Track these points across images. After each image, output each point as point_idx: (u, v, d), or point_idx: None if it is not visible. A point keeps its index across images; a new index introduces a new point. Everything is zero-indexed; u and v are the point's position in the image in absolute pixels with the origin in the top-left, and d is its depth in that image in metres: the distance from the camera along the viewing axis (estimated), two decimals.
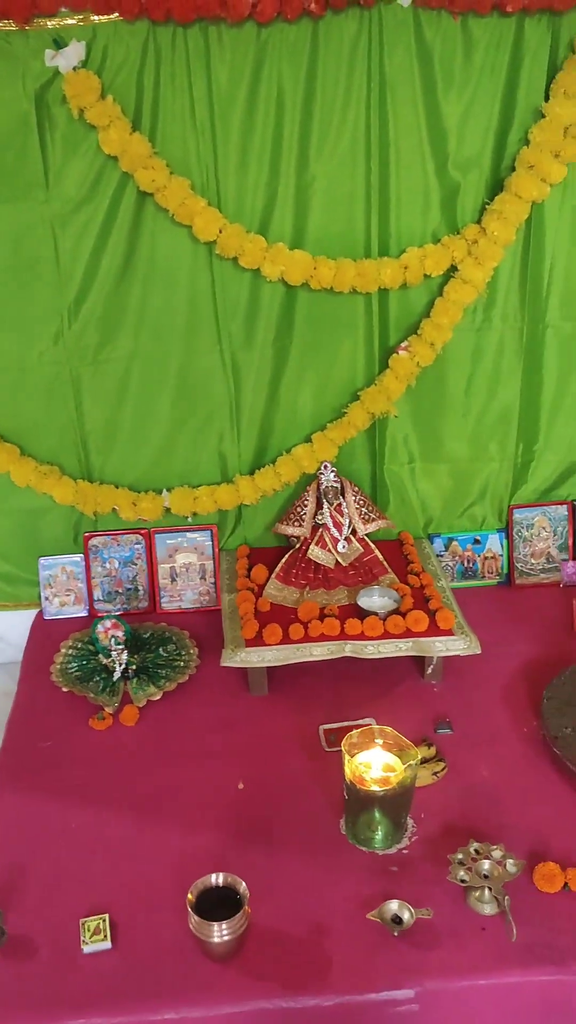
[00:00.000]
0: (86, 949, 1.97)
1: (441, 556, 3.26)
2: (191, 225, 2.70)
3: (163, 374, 2.98)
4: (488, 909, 2.03)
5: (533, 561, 3.28)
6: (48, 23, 2.49)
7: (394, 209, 2.80)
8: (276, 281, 2.80)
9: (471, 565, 3.29)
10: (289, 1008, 1.88)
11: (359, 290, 2.82)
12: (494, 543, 3.27)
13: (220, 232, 2.71)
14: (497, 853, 2.08)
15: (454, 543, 3.27)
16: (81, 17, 2.50)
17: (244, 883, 1.98)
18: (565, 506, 3.26)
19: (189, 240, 2.77)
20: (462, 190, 2.80)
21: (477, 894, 2.05)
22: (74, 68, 2.52)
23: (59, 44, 2.50)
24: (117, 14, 2.49)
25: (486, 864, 2.05)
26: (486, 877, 2.04)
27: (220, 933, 1.90)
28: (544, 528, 3.26)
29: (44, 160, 2.66)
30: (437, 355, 2.95)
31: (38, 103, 2.59)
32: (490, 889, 2.02)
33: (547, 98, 2.66)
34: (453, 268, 2.82)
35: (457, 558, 3.28)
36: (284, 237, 2.79)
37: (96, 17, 2.50)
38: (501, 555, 3.28)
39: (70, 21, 2.50)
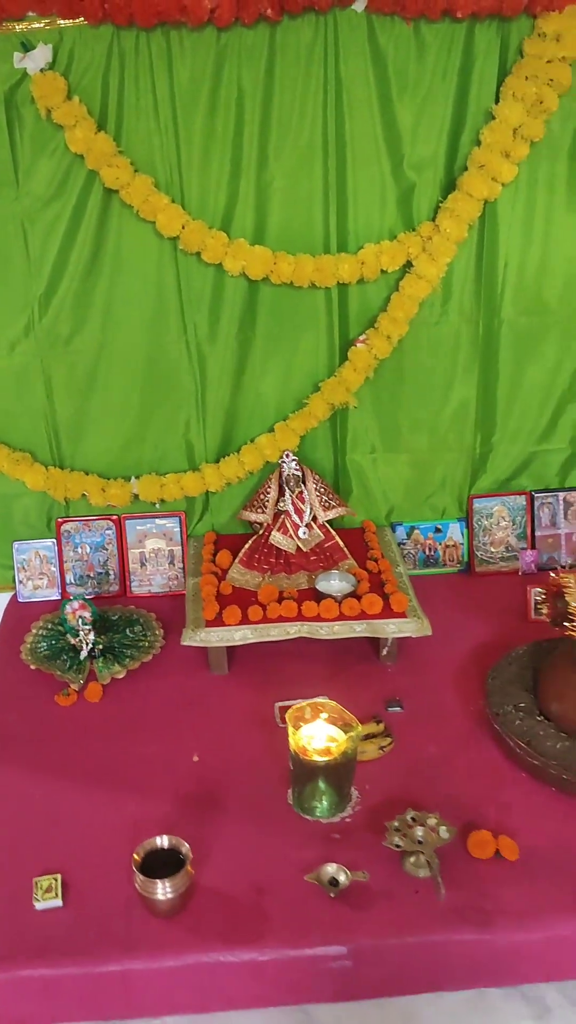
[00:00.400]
0: (38, 906, 2.08)
1: (403, 544, 3.36)
2: (155, 221, 2.81)
3: (131, 364, 3.09)
4: (422, 873, 2.13)
5: (492, 549, 3.39)
6: (16, 27, 2.61)
7: (352, 207, 2.90)
8: (238, 275, 2.91)
9: (432, 553, 3.39)
10: (227, 962, 1.99)
11: (318, 284, 2.92)
12: (455, 532, 3.38)
13: (183, 228, 2.82)
14: (432, 820, 2.19)
15: (416, 532, 3.38)
16: (48, 21, 2.61)
17: (187, 844, 2.09)
18: (523, 496, 3.36)
19: (154, 235, 2.88)
20: (417, 189, 2.90)
21: (412, 859, 2.15)
22: (41, 70, 2.63)
23: (27, 47, 2.61)
24: (82, 18, 2.59)
25: (420, 831, 2.16)
26: (420, 843, 2.14)
27: (164, 890, 2.01)
28: (503, 517, 3.37)
29: (14, 158, 2.77)
30: (396, 348, 3.06)
31: (7, 104, 2.70)
32: (423, 854, 2.13)
33: (497, 100, 2.76)
34: (409, 264, 2.92)
35: (419, 546, 3.39)
36: (246, 233, 2.90)
37: (62, 21, 2.61)
38: (461, 543, 3.38)
39: (37, 25, 2.61)
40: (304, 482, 3.10)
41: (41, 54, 2.61)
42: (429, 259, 2.87)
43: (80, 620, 2.94)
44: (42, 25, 2.61)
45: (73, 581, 3.31)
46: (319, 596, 2.88)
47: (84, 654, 2.90)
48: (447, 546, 3.39)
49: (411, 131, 2.82)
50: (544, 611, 2.44)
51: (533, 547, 3.38)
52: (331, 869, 2.12)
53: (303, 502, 3.09)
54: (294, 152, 2.83)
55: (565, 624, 2.35)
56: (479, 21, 2.67)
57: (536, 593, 2.51)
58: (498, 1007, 2.06)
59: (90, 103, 2.71)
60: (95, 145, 2.69)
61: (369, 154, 2.83)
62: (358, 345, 3.03)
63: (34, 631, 3.07)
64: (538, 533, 3.37)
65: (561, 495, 3.36)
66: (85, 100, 2.69)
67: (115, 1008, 2.02)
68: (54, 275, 2.93)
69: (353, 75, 2.73)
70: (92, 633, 2.93)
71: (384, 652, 2.89)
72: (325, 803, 2.32)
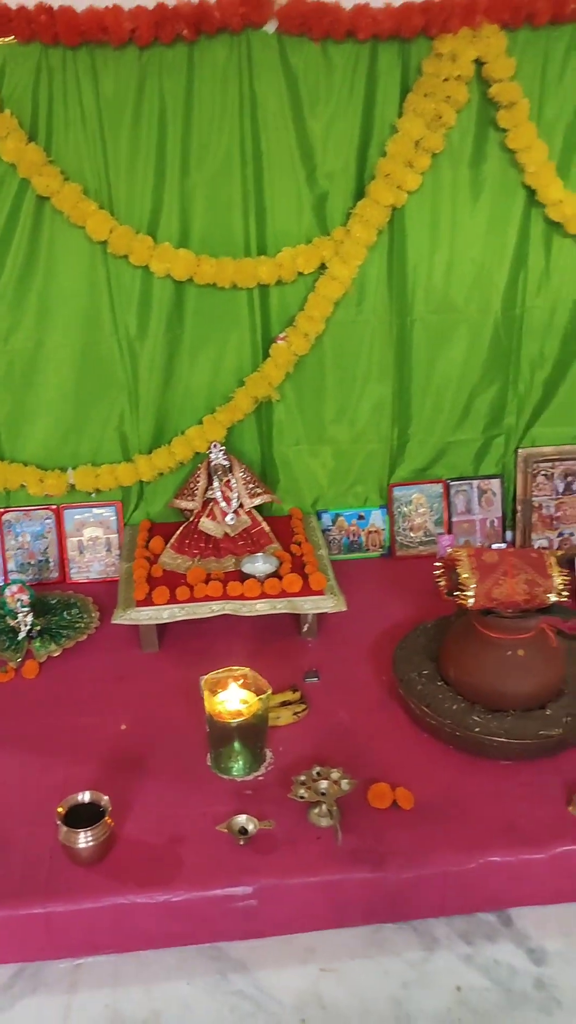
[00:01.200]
0: None
1: (328, 530, 3.57)
2: (84, 226, 2.99)
3: (66, 361, 3.28)
4: (324, 822, 2.33)
5: (412, 535, 3.61)
6: None
7: (270, 213, 3.12)
8: (164, 277, 3.11)
9: (356, 539, 3.60)
10: (143, 903, 2.16)
11: (240, 285, 3.14)
12: (376, 519, 3.60)
13: (111, 233, 3.01)
14: (335, 775, 2.38)
15: (340, 518, 3.59)
16: None
17: (107, 798, 2.27)
18: (440, 484, 3.58)
19: (85, 240, 3.07)
20: (330, 196, 3.12)
21: (316, 810, 2.35)
22: None
23: None
24: (12, 37, 2.78)
25: (324, 784, 2.36)
26: (323, 795, 2.34)
27: (84, 839, 2.19)
28: (421, 504, 3.59)
29: None
30: (316, 346, 3.27)
31: None
32: (326, 804, 2.32)
33: (400, 115, 2.99)
34: (323, 266, 3.14)
35: (343, 532, 3.60)
36: (171, 237, 3.11)
37: None
38: (383, 529, 3.60)
39: None
40: (231, 471, 3.30)
41: None
42: (341, 262, 3.09)
43: (19, 603, 3.10)
44: None
45: (15, 568, 3.48)
46: (244, 577, 3.08)
47: (22, 634, 3.07)
48: (370, 532, 3.60)
49: (322, 143, 3.04)
50: (442, 583, 2.65)
51: (450, 532, 3.60)
52: (241, 820, 2.31)
53: (231, 490, 3.29)
54: (214, 161, 3.04)
55: (456, 594, 2.56)
56: (381, 42, 2.90)
57: (435, 567, 2.72)
58: (392, 939, 2.25)
59: (21, 115, 2.89)
60: (26, 155, 2.88)
61: (284, 164, 3.05)
62: (279, 342, 3.24)
63: None
64: (454, 519, 3.60)
65: (475, 483, 3.60)
66: (16, 113, 2.88)
67: (39, 949, 2.19)
68: None
69: (267, 91, 2.95)
70: (30, 615, 3.10)
71: (305, 628, 3.09)
72: (240, 763, 2.51)
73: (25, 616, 3.09)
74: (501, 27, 2.84)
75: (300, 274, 3.15)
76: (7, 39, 2.79)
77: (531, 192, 3.13)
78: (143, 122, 2.95)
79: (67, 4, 2.73)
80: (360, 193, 3.10)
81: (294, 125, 3.00)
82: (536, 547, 3.59)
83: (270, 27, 2.83)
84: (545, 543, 3.62)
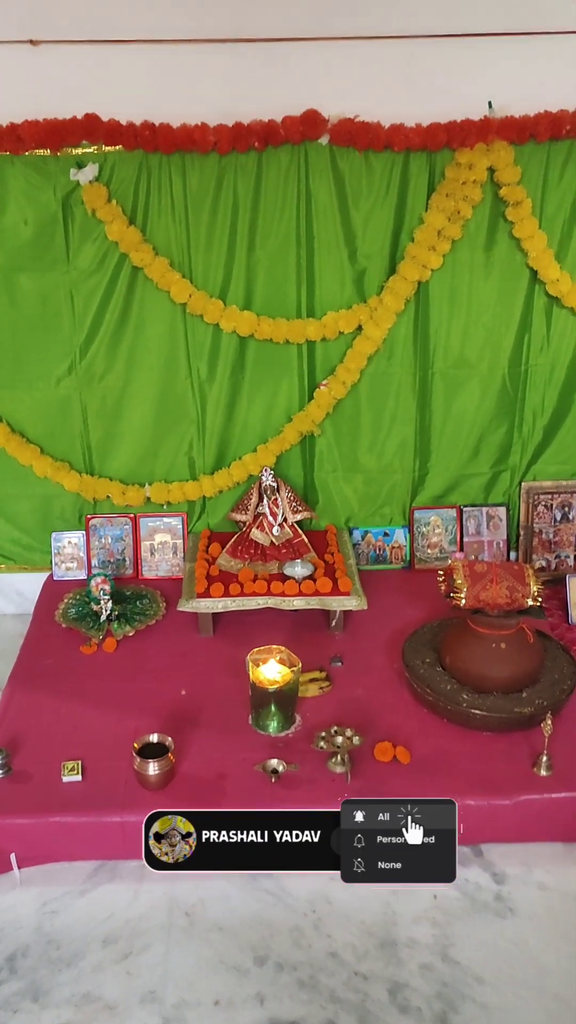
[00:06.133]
0: (64, 779, 2.93)
1: (358, 545, 4.23)
2: (169, 291, 3.73)
3: (148, 398, 4.01)
4: (339, 769, 2.95)
5: (429, 551, 4.25)
6: (72, 151, 3.55)
7: (318, 284, 3.81)
8: (231, 333, 3.83)
9: (382, 552, 4.25)
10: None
11: (292, 341, 3.84)
12: (399, 536, 4.24)
13: (190, 297, 3.74)
14: (349, 732, 3.01)
15: (368, 535, 4.25)
16: (96, 147, 3.55)
17: (171, 739, 2.94)
18: (454, 509, 4.22)
19: (169, 302, 3.80)
20: (367, 272, 3.80)
21: (333, 759, 2.98)
22: (90, 182, 3.56)
23: (80, 165, 3.55)
24: (120, 146, 3.53)
25: (339, 739, 2.99)
26: (338, 747, 2.98)
27: (153, 768, 2.86)
28: (438, 526, 4.23)
29: (66, 243, 3.70)
30: (352, 391, 3.96)
31: (63, 205, 3.64)
32: (340, 754, 2.96)
33: (426, 209, 3.66)
34: (360, 328, 3.82)
35: (371, 546, 4.25)
36: (238, 302, 3.81)
37: (106, 147, 3.55)
38: (405, 545, 4.24)
39: (88, 149, 3.55)
40: (278, 491, 3.98)
41: (90, 170, 3.55)
42: (375, 325, 3.77)
43: (101, 592, 3.81)
44: (92, 150, 3.55)
45: (97, 565, 4.20)
46: (285, 578, 3.75)
47: (104, 617, 3.78)
48: (393, 547, 4.24)
49: (362, 230, 3.73)
50: (443, 586, 3.28)
51: (461, 550, 4.23)
52: (273, 762, 2.96)
53: (277, 507, 3.97)
54: (275, 242, 3.74)
55: (452, 595, 3.20)
56: (412, 152, 3.57)
57: (439, 574, 3.35)
58: None
59: (124, 205, 3.63)
60: (126, 236, 3.63)
61: (331, 245, 3.74)
62: (321, 388, 3.94)
63: (66, 600, 3.97)
64: (466, 539, 4.23)
65: (484, 509, 4.23)
66: (121, 203, 3.62)
67: (115, 850, 2.85)
68: (92, 329, 3.85)
69: (319, 188, 3.64)
70: (110, 602, 3.80)
71: (333, 623, 3.74)
72: (275, 722, 3.15)
73: (106, 603, 3.79)
74: (509, 143, 3.50)
75: (341, 333, 3.83)
76: (116, 147, 3.54)
77: (534, 272, 3.77)
78: (219, 211, 3.66)
79: (165, 121, 3.46)
80: (392, 270, 3.77)
81: (340, 215, 3.68)
82: (536, 566, 4.19)
83: (323, 140, 3.52)
84: (544, 563, 4.22)
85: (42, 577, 4.22)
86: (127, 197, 3.64)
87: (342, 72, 3.45)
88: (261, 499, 3.99)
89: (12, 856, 2.80)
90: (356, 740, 2.99)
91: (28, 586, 4.22)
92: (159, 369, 3.95)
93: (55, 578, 4.21)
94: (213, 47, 3.39)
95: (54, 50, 3.37)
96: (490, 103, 3.47)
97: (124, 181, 3.62)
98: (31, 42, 3.36)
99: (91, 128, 3.46)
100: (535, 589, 3.16)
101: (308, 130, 3.47)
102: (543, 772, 2.91)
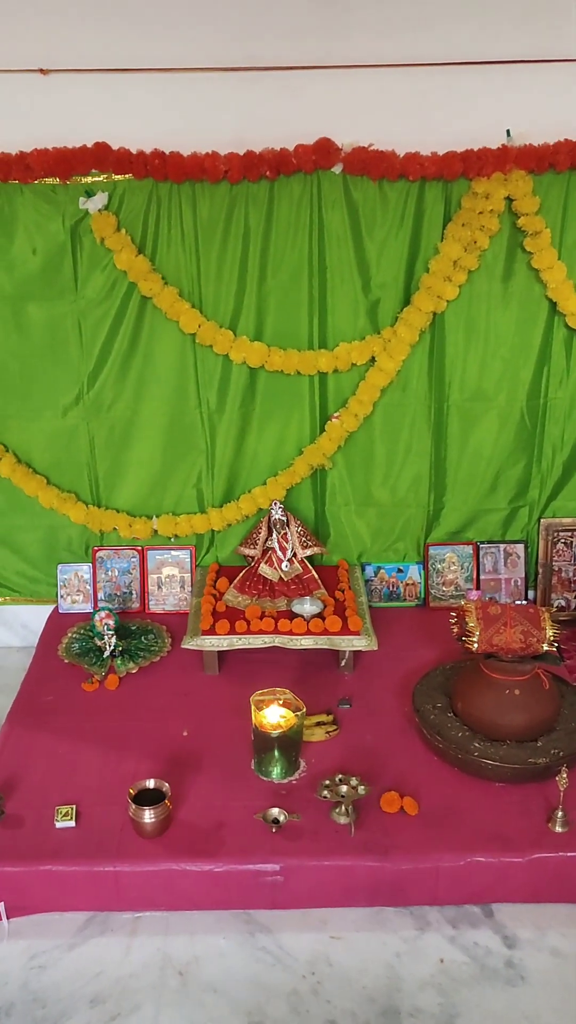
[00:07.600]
0: (58, 825, 2.83)
1: (371, 581, 4.11)
2: (178, 321, 3.66)
3: (156, 428, 3.93)
4: (343, 820, 2.84)
5: (444, 588, 4.12)
6: (82, 179, 3.50)
7: (330, 315, 3.73)
8: (241, 364, 3.75)
9: (395, 589, 4.13)
10: (191, 871, 2.71)
11: (303, 373, 3.75)
12: (414, 572, 4.12)
13: (199, 327, 3.67)
14: (354, 781, 2.90)
15: (382, 571, 4.13)
16: (105, 176, 3.50)
17: (168, 785, 2.84)
18: (470, 546, 4.10)
19: (178, 332, 3.73)
20: (381, 303, 3.72)
21: (337, 809, 2.86)
22: (99, 210, 3.52)
23: (89, 194, 3.50)
24: (130, 175, 3.48)
25: (344, 788, 2.88)
26: (343, 796, 2.86)
27: (149, 816, 2.76)
28: (453, 563, 4.10)
29: (75, 272, 3.66)
30: (366, 424, 3.86)
31: (72, 234, 3.59)
32: (344, 804, 2.84)
33: (442, 239, 3.57)
34: (373, 359, 3.73)
35: (384, 583, 4.13)
36: (248, 332, 3.74)
37: (116, 176, 3.50)
38: (419, 582, 4.12)
39: (98, 178, 3.51)
40: (288, 525, 3.88)
41: (99, 199, 3.50)
42: (388, 356, 3.68)
43: (105, 626, 3.73)
44: (101, 178, 3.51)
45: (104, 598, 4.12)
46: (293, 616, 3.64)
47: (107, 653, 3.69)
48: (407, 584, 4.12)
49: (376, 260, 3.64)
50: (455, 630, 3.16)
51: (478, 588, 4.10)
52: (274, 812, 2.85)
53: (287, 541, 3.87)
54: (287, 272, 3.66)
55: (464, 639, 3.08)
56: (428, 181, 3.49)
57: (451, 615, 3.22)
58: (391, 919, 2.72)
59: (133, 234, 3.58)
60: (135, 265, 3.57)
61: (344, 275, 3.67)
62: (333, 420, 3.84)
63: (69, 634, 3.89)
64: (482, 577, 4.10)
65: (502, 546, 4.10)
66: (130, 232, 3.57)
67: (108, 901, 2.75)
68: (100, 358, 3.80)
69: (332, 217, 3.57)
70: (114, 637, 3.72)
71: (343, 663, 3.62)
72: (278, 768, 3.04)
73: (110, 638, 3.71)
74: (528, 172, 3.41)
75: (353, 365, 3.74)
76: (126, 176, 3.49)
77: (553, 304, 3.67)
78: (230, 240, 3.60)
79: (175, 149, 3.42)
80: (407, 301, 3.68)
81: (353, 245, 3.60)
82: (555, 606, 4.05)
83: (337, 169, 3.46)
84: (563, 603, 4.08)
85: (47, 610, 4.15)
86: (136, 226, 3.59)
87: (356, 100, 3.39)
88: (270, 533, 3.89)
89: (0, 906, 2.70)
90: (361, 790, 2.87)
91: (33, 618, 4.15)
92: (168, 399, 3.89)
93: (60, 611, 4.13)
94: (224, 75, 3.35)
95: (64, 79, 3.34)
96: (508, 131, 3.39)
97: (134, 210, 3.57)
98: (41, 71, 3.33)
99: (101, 157, 3.42)
100: (551, 634, 3.03)
101: (321, 159, 3.40)
102: (558, 828, 2.77)
